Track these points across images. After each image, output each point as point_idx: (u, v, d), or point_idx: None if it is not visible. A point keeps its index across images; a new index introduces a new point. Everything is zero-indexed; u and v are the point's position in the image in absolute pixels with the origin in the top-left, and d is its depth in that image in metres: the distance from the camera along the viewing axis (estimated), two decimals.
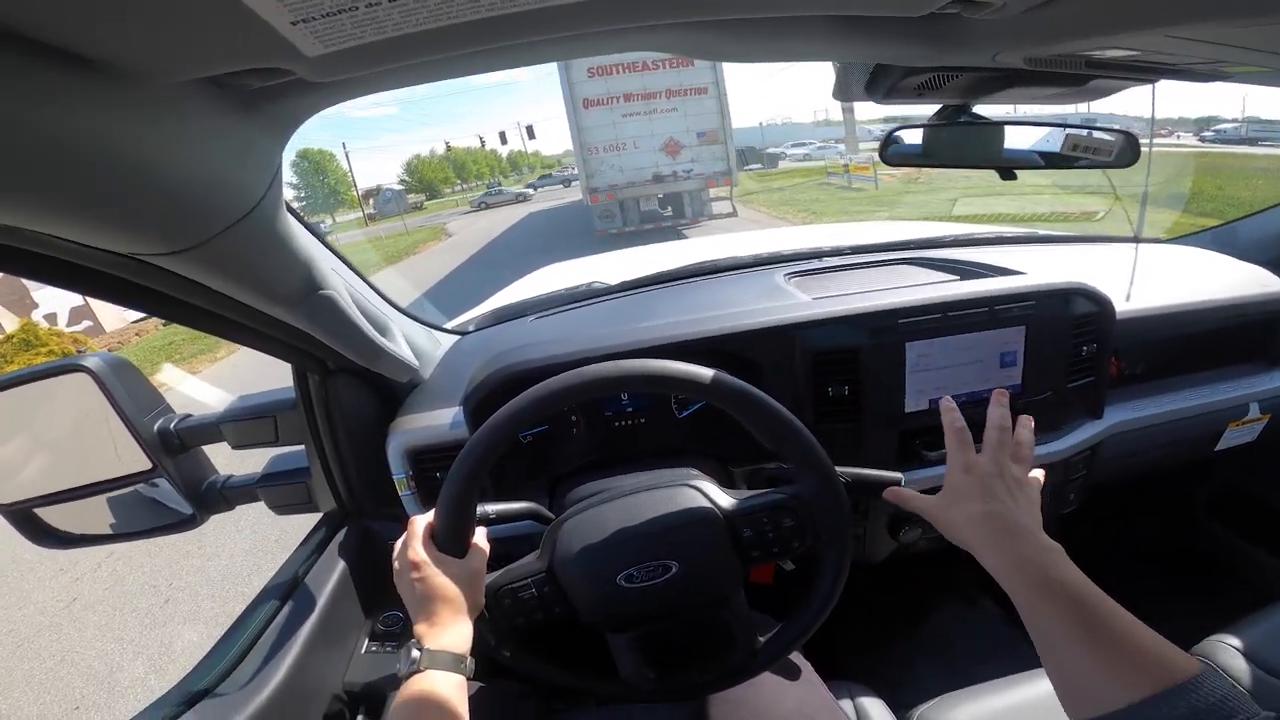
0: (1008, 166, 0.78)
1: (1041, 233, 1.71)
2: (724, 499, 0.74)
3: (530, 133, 35.17)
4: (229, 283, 0.60)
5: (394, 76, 0.45)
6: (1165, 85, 0.67)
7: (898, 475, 0.75)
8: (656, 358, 0.71)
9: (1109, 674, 0.47)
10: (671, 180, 11.12)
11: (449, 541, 0.66)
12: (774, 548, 0.71)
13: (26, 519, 0.94)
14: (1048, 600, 0.51)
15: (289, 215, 0.61)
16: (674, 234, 11.32)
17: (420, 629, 0.62)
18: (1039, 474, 0.65)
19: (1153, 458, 1.23)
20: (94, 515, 1.00)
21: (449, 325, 1.34)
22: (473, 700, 0.78)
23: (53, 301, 11.83)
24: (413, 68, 0.42)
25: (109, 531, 1.03)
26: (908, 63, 0.57)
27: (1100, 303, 1.04)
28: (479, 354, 1.11)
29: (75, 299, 12.00)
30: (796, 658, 0.89)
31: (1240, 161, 15.85)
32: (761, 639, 0.77)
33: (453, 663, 0.59)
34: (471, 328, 1.33)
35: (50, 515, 0.96)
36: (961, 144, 0.77)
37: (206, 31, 0.31)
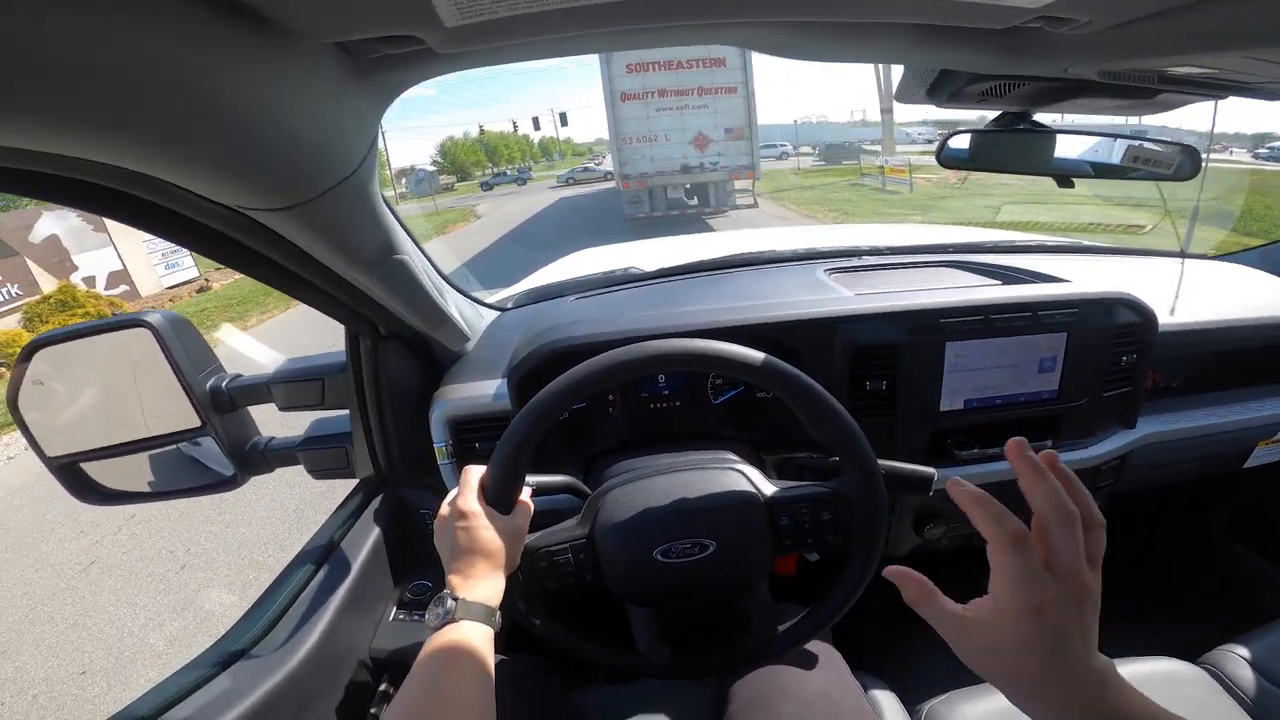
0: (1059, 174, 0.77)
1: (1085, 243, 1.69)
2: (767, 486, 0.75)
3: (564, 119, 34.88)
4: (319, 241, 0.63)
5: (507, 53, 0.47)
6: (1224, 100, 0.66)
7: (931, 471, 0.76)
8: (700, 340, 0.71)
9: None
10: (699, 171, 11.76)
11: (499, 497, 0.67)
12: (808, 538, 0.73)
13: (72, 473, 0.96)
14: None
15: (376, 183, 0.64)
16: (698, 221, 12.09)
17: (455, 579, 0.62)
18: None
19: (1180, 470, 1.23)
20: (136, 472, 1.02)
21: (490, 300, 1.36)
22: (495, 671, 0.81)
23: (92, 265, 12.05)
24: (528, 45, 0.44)
25: (149, 489, 1.05)
26: (979, 70, 0.57)
27: (1144, 314, 1.04)
28: (520, 329, 1.14)
29: (113, 263, 12.34)
30: (824, 644, 0.90)
31: None
32: (780, 627, 0.78)
33: (485, 614, 0.60)
34: (510, 304, 1.35)
35: (95, 470, 0.98)
36: (1013, 150, 0.77)
37: None
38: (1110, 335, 1.03)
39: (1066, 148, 0.75)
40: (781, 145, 42.72)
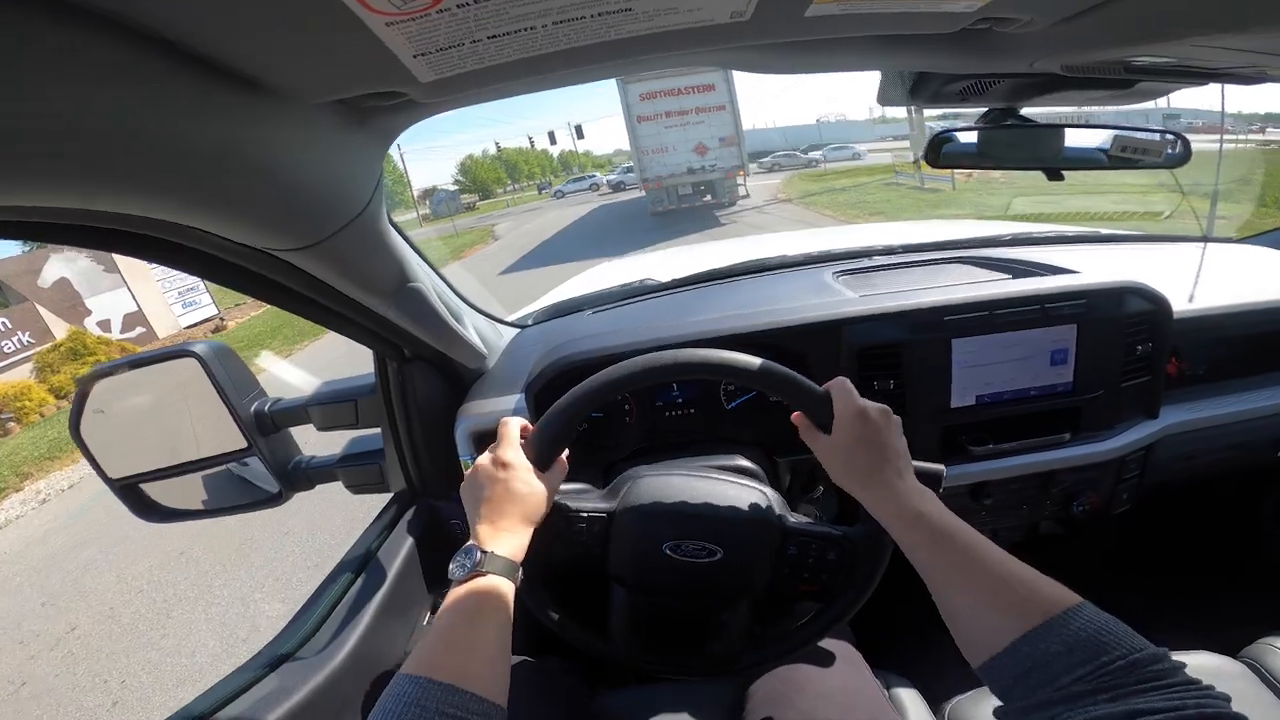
0: (1061, 168, 0.79)
1: (1104, 232, 1.67)
2: (789, 516, 0.77)
3: (579, 132, 33.74)
4: (337, 275, 0.68)
5: (486, 95, 0.52)
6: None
7: (940, 467, 0.77)
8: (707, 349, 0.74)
9: (990, 612, 0.49)
10: (701, 172, 15.36)
11: (541, 454, 0.69)
12: (806, 572, 0.75)
13: (133, 493, 1.03)
14: (921, 536, 0.56)
15: (387, 217, 0.69)
16: (706, 211, 15.58)
17: (482, 530, 0.62)
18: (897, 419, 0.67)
19: (1212, 460, 1.20)
20: (190, 491, 1.08)
21: (510, 319, 1.42)
22: (516, 673, 0.83)
23: (106, 307, 11.98)
24: (503, 88, 0.49)
25: (203, 507, 1.11)
26: (948, 70, 0.59)
27: (1155, 301, 1.03)
28: (538, 345, 1.18)
29: (127, 305, 12.39)
30: (843, 643, 0.90)
31: None
32: (749, 642, 0.80)
33: (509, 569, 0.60)
34: (530, 321, 1.40)
35: (153, 490, 1.05)
36: (1004, 146, 0.78)
37: (345, 61, 0.38)
38: (1122, 325, 1.03)
39: (1056, 141, 0.76)
40: (852, 146, 39.13)
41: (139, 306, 12.56)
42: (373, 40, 0.34)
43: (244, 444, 1.02)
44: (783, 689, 0.80)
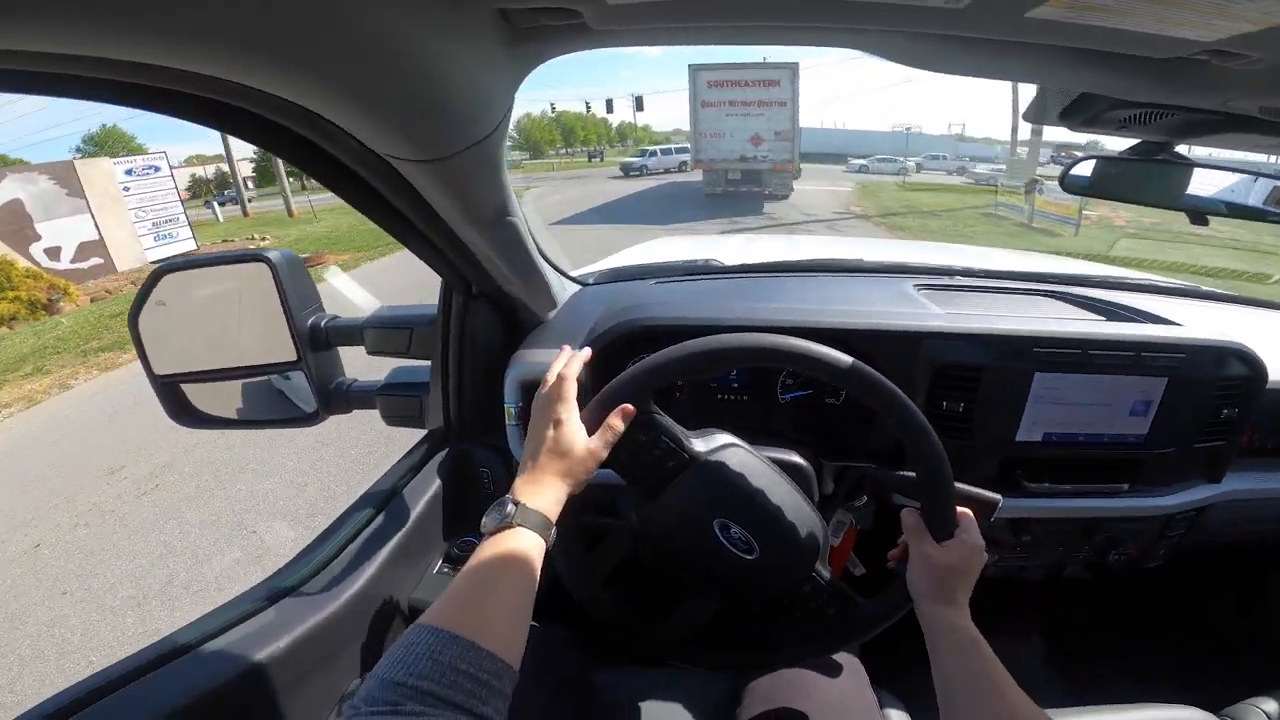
0: (1191, 211, 0.74)
1: (1204, 288, 1.60)
2: (823, 567, 0.76)
3: (639, 104, 33.52)
4: (447, 195, 0.67)
5: (651, 35, 0.49)
6: None
7: (998, 497, 0.75)
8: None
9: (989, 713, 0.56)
10: (753, 161, 15.95)
11: (593, 412, 0.68)
12: (798, 612, 0.75)
13: (173, 392, 1.03)
14: (964, 655, 0.62)
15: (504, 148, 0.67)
16: (752, 197, 16.17)
17: (520, 483, 0.62)
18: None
19: (1257, 530, 1.17)
20: (228, 399, 1.09)
21: (573, 274, 1.40)
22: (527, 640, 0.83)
23: (59, 234, 10.79)
24: (673, 30, 0.46)
25: (237, 417, 1.11)
26: (1127, 96, 0.55)
27: (1255, 367, 0.99)
28: (600, 304, 1.16)
29: (88, 233, 11.15)
30: (850, 655, 0.90)
31: None
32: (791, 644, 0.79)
33: (542, 525, 0.59)
34: (591, 280, 1.38)
35: (192, 393, 1.05)
36: (1146, 181, 0.73)
37: None
38: (1214, 385, 0.98)
39: (1203, 183, 0.71)
40: (952, 158, 37.63)
41: (100, 235, 11.35)
42: None
43: (294, 356, 1.02)
44: (782, 691, 0.80)
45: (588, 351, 0.74)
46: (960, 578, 0.67)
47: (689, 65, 15.62)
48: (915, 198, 18.86)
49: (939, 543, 0.69)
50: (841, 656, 0.87)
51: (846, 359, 0.69)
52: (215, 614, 0.75)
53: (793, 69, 15.18)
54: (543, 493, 0.62)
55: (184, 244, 13.03)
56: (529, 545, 0.58)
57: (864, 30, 0.44)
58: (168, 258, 9.16)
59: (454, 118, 0.52)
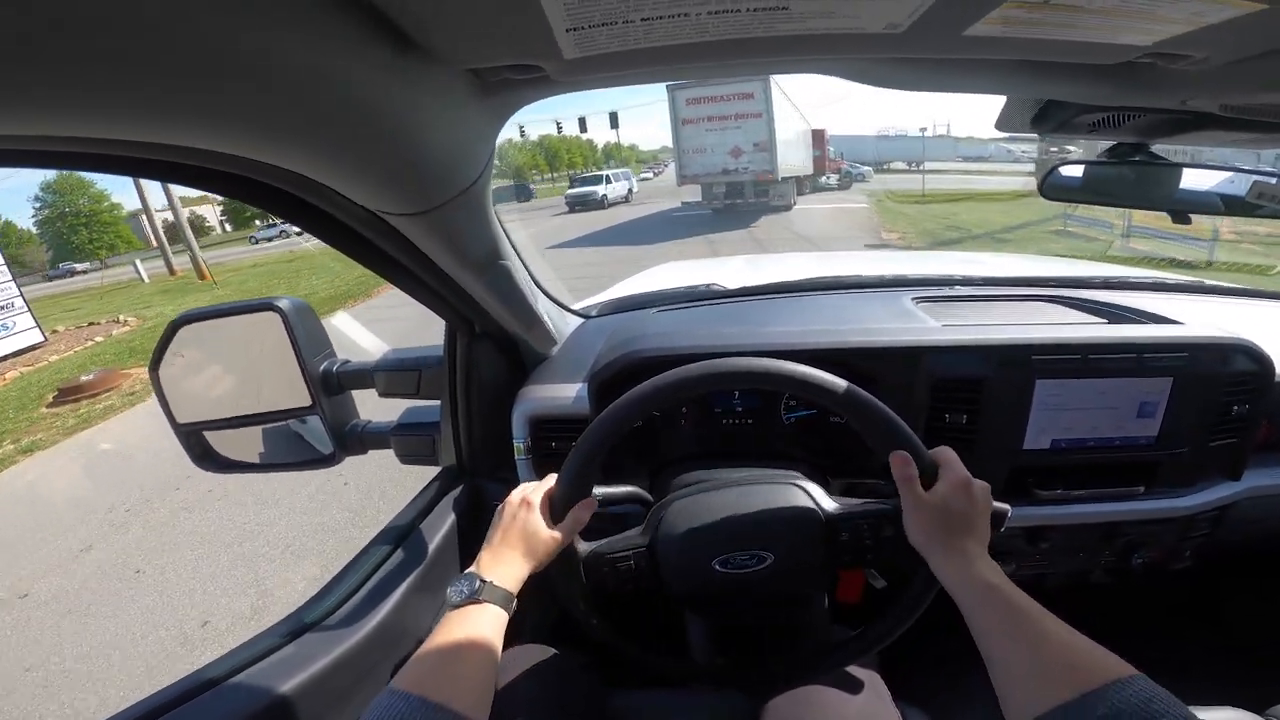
0: (1178, 209, 0.74)
1: (1209, 283, 1.58)
2: (828, 503, 0.76)
3: (614, 120, 29.60)
4: (439, 244, 0.69)
5: (615, 81, 0.51)
6: None
7: (1005, 507, 0.74)
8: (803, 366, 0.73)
9: (1039, 677, 0.49)
10: (734, 173, 16.56)
11: (555, 507, 0.73)
12: (868, 554, 0.73)
13: (196, 440, 1.06)
14: (989, 608, 0.57)
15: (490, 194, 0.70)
16: (744, 210, 16.59)
17: (485, 556, 0.67)
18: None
19: None
20: (249, 444, 1.11)
21: (575, 308, 1.42)
22: (539, 664, 0.83)
23: None
24: (637, 75, 0.48)
25: (259, 461, 1.14)
26: (1087, 101, 0.56)
27: (1261, 362, 0.97)
28: (603, 337, 1.18)
29: None
30: (869, 670, 0.89)
31: None
32: (838, 640, 0.78)
33: (505, 600, 0.64)
34: (595, 313, 1.40)
35: (214, 439, 1.08)
36: (1130, 182, 0.74)
37: (500, 28, 0.38)
38: (1222, 383, 0.97)
39: (1188, 181, 0.72)
40: (861, 167, 35.59)
41: None
42: (534, 10, 0.34)
43: (309, 401, 1.04)
44: (801, 710, 0.79)
45: (550, 480, 0.76)
46: (957, 519, 0.65)
47: (667, 86, 15.78)
48: (945, 213, 16.24)
49: (926, 487, 0.68)
50: (861, 672, 0.86)
51: (776, 364, 0.71)
52: (239, 650, 0.77)
53: (764, 81, 15.25)
54: (504, 569, 0.66)
55: (26, 335, 10.12)
56: (493, 620, 0.62)
57: (815, 60, 0.46)
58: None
59: (437, 171, 0.55)
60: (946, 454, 0.70)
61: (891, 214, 17.00)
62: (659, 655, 0.80)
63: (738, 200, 17.12)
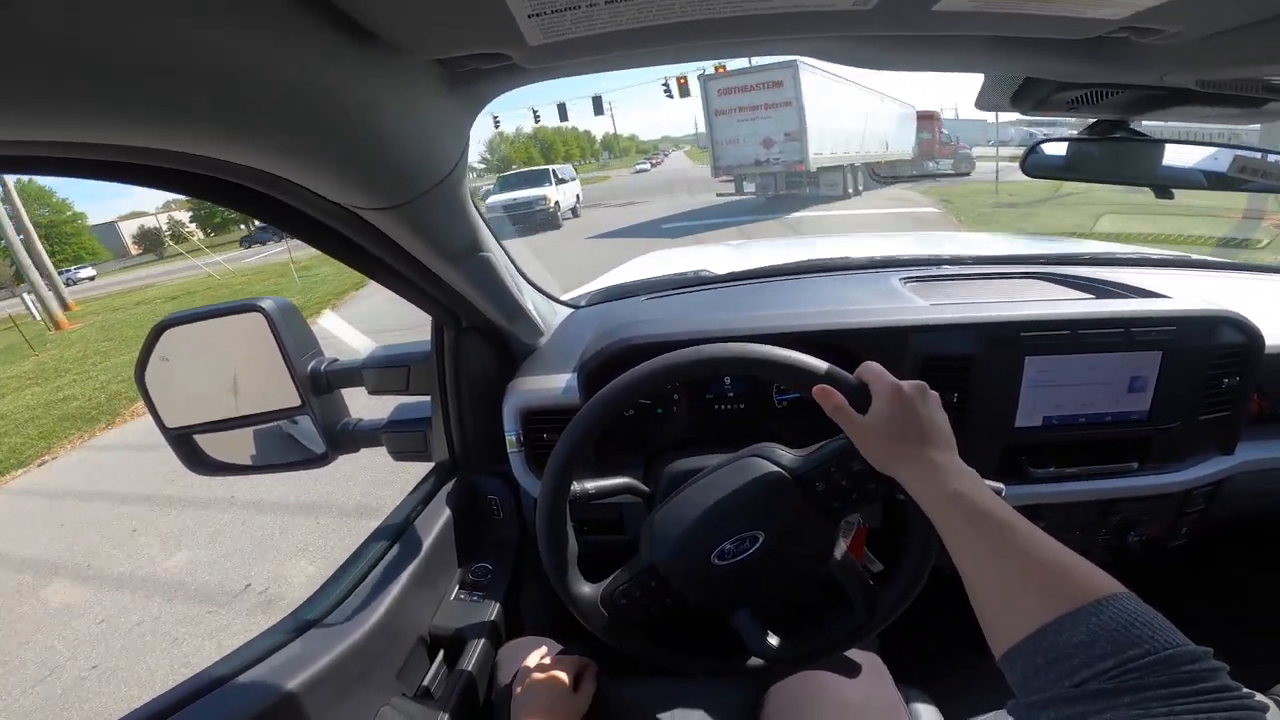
0: (1164, 185, 0.74)
1: (1194, 257, 1.58)
2: (788, 457, 0.74)
3: (598, 106, 25.40)
4: (415, 238, 0.69)
5: (586, 66, 0.51)
6: None
7: (999, 485, 0.74)
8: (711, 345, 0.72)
9: (1018, 597, 0.45)
10: (766, 164, 16.13)
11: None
12: (852, 494, 0.70)
13: (186, 444, 1.05)
14: (958, 517, 0.53)
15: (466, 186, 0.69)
16: (776, 201, 15.93)
17: None
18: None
19: None
20: (240, 446, 1.11)
21: (564, 298, 1.41)
22: (537, 655, 0.84)
23: None
24: (605, 60, 0.48)
25: (251, 463, 1.13)
26: (1065, 78, 0.56)
27: (1249, 334, 0.98)
28: (592, 326, 1.17)
29: None
30: (869, 653, 0.89)
31: None
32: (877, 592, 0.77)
33: None
34: (584, 302, 1.40)
35: (204, 442, 1.07)
36: (1112, 159, 0.74)
37: (463, 17, 0.37)
38: (1210, 356, 0.97)
39: (1170, 157, 0.72)
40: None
41: None
42: None
43: (298, 402, 1.04)
44: (803, 695, 0.80)
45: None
46: (903, 429, 0.61)
47: (698, 77, 16.13)
48: (1039, 209, 11.27)
49: (863, 413, 0.64)
50: (860, 655, 0.86)
51: (663, 361, 0.71)
52: (245, 648, 0.77)
53: (793, 69, 14.46)
54: None
55: None
56: None
57: (784, 39, 0.46)
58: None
59: (409, 164, 0.54)
60: (870, 369, 0.66)
61: (982, 222, 11.18)
62: (711, 661, 0.81)
63: (784, 192, 16.39)
